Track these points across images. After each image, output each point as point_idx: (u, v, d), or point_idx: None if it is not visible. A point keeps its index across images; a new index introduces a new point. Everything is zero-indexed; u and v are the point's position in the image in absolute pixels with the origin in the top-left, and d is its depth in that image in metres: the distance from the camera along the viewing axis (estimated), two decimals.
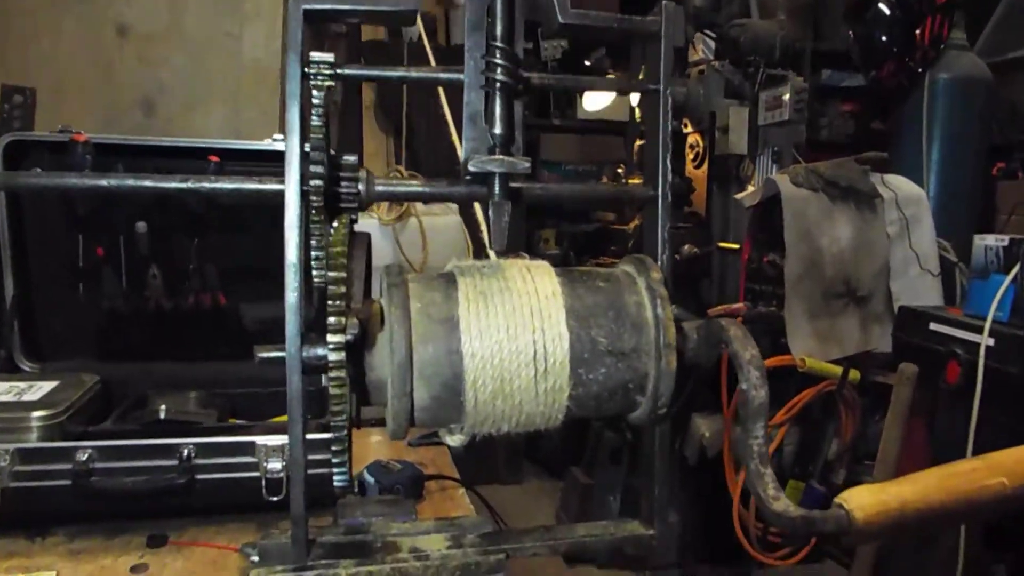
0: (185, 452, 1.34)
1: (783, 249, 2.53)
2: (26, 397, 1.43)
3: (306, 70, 0.66)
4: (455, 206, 2.57)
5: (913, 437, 2.15)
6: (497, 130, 0.64)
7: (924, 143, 2.76)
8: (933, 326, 2.08)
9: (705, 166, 3.44)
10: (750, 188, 3.10)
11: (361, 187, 0.68)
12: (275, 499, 1.36)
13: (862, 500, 0.66)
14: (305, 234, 0.65)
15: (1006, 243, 1.94)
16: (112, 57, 2.20)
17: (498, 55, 0.62)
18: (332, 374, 0.61)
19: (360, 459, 1.64)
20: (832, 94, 4.99)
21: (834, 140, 4.90)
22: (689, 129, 3.59)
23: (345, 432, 0.63)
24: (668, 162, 0.75)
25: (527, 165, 0.65)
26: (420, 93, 3.71)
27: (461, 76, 0.67)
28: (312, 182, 0.62)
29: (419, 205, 2.60)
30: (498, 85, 0.62)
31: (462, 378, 0.67)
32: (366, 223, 2.52)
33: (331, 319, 0.61)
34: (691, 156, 3.53)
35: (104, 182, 0.66)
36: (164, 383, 1.71)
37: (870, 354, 2.58)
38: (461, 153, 0.67)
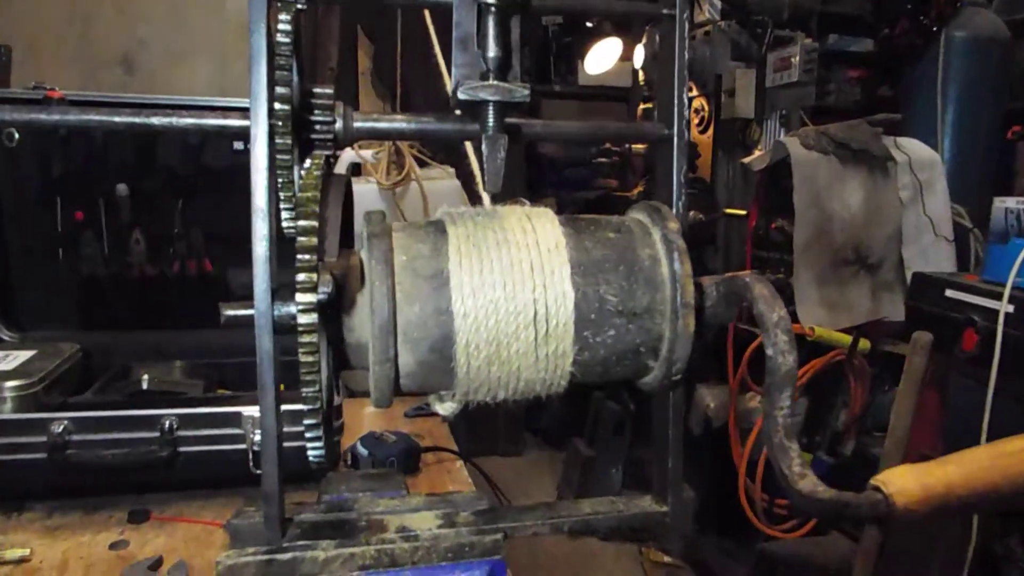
0: (167, 424, 1.27)
1: (791, 215, 2.45)
2: (0, 367, 1.36)
3: None
4: (452, 169, 2.47)
5: (926, 407, 2.08)
6: (491, 53, 0.56)
7: (939, 105, 2.66)
8: (949, 293, 2.00)
9: (710, 131, 3.34)
10: (757, 152, 3.01)
11: (338, 122, 0.60)
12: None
13: (904, 484, 0.58)
14: (273, 176, 0.57)
15: None
16: (90, 11, 2.09)
17: None
18: (303, 339, 0.53)
19: (354, 430, 1.58)
20: (838, 59, 4.85)
21: (840, 106, 4.78)
22: (694, 93, 3.48)
23: (318, 404, 0.55)
24: (685, 97, 0.66)
25: (526, 93, 0.57)
26: (417, 53, 3.57)
27: None
28: (278, 111, 0.54)
29: (419, 168, 2.50)
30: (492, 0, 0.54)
31: (453, 341, 0.59)
32: (365, 188, 2.43)
33: (300, 276, 0.53)
34: (696, 120, 3.43)
35: (44, 116, 0.58)
36: (148, 352, 1.64)
37: (880, 323, 2.51)
38: (450, 85, 0.59)
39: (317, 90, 0.59)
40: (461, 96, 0.56)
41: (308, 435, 0.57)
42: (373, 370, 0.59)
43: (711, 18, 3.36)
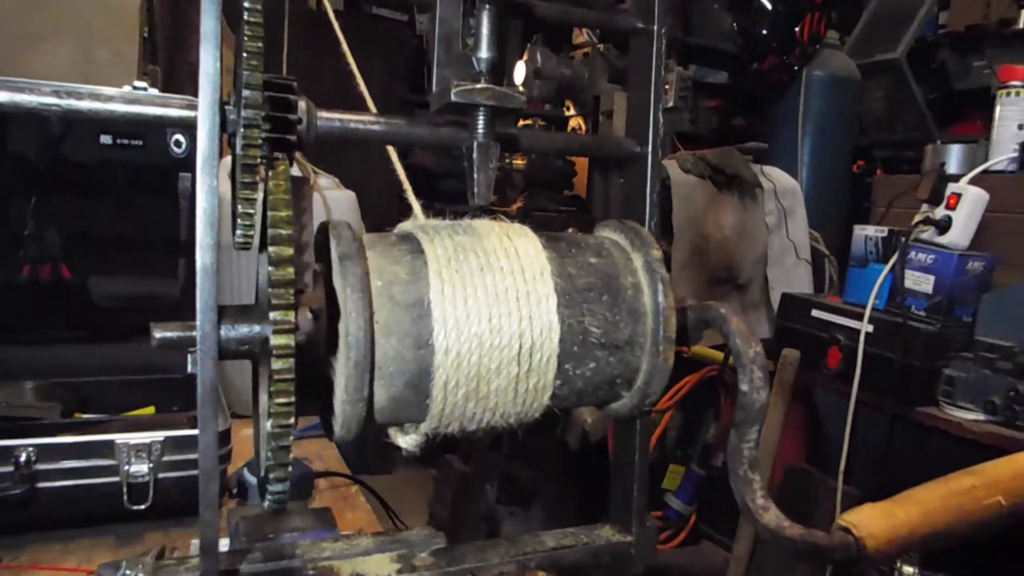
0: (23, 456, 1.11)
1: (669, 235, 2.54)
2: None
3: None
4: (336, 179, 2.35)
5: (793, 420, 2.22)
6: (484, 53, 0.51)
7: (799, 137, 2.86)
8: (815, 313, 2.15)
9: None
10: None
11: (301, 119, 0.53)
12: (140, 508, 1.15)
13: (872, 527, 0.60)
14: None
15: (885, 234, 2.03)
16: None
17: None
18: (278, 387, 0.46)
19: (236, 455, 1.45)
20: (698, 89, 5.18)
21: (699, 133, 5.09)
22: (572, 112, 3.55)
23: (289, 457, 0.48)
24: (660, 114, 0.65)
25: (523, 99, 0.52)
26: (305, 50, 3.28)
27: None
28: (247, 99, 0.46)
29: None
30: None
31: (430, 376, 0.54)
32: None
33: (275, 314, 0.46)
34: None
35: None
36: None
37: None
38: (433, 85, 0.53)
39: (280, 82, 0.52)
40: (455, 98, 0.51)
41: (272, 488, 0.49)
42: (342, 409, 0.52)
43: (589, 40, 3.46)
